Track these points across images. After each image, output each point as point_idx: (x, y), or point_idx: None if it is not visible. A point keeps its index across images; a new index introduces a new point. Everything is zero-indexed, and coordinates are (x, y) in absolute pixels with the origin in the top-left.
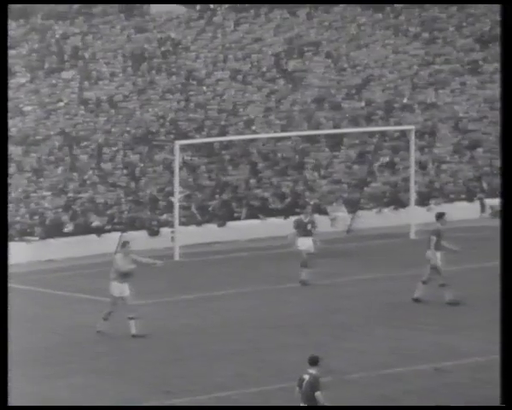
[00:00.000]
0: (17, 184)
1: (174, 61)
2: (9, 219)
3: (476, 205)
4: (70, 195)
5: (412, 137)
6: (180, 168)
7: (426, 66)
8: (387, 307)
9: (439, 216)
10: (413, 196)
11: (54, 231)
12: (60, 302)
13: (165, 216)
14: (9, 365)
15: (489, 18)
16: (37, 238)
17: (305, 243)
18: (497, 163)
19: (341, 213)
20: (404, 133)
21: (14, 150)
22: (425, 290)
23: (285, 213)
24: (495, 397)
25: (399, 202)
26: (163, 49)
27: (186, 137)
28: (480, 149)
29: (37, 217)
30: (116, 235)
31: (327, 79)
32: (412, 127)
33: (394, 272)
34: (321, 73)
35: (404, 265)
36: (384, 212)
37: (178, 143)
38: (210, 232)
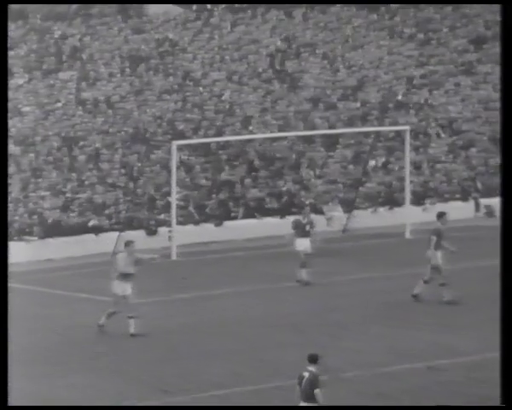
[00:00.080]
0: (16, 184)
1: (171, 62)
2: (8, 218)
3: (471, 204)
4: (68, 195)
5: (407, 137)
6: (177, 168)
7: (420, 67)
8: (383, 307)
9: (440, 216)
10: (408, 196)
11: (53, 230)
12: (59, 301)
13: (162, 216)
14: (9, 364)
15: (482, 19)
16: (35, 238)
17: (302, 244)
18: (492, 163)
19: (337, 213)
20: (398, 133)
21: (12, 150)
22: (425, 289)
23: (281, 212)
24: (490, 396)
25: (394, 202)
26: (160, 49)
27: (183, 137)
28: (474, 149)
29: (35, 217)
30: (114, 235)
31: (322, 80)
32: (407, 128)
33: (390, 271)
34: (316, 74)
35: (399, 264)
36: (379, 211)
37: (175, 143)
38: (207, 232)
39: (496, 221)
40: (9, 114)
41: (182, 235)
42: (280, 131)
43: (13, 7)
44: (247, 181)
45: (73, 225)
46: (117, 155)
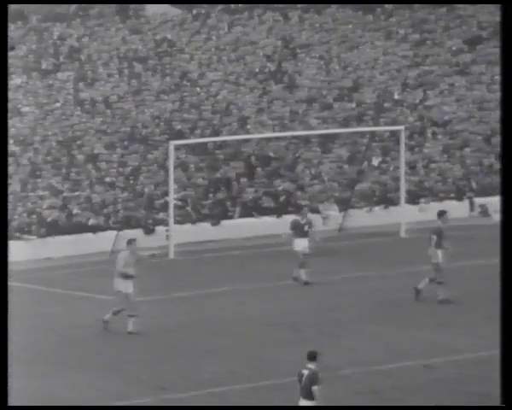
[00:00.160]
0: (15, 183)
1: (169, 63)
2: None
3: (465, 204)
4: (66, 194)
5: (402, 137)
6: (175, 168)
7: (415, 67)
8: (379, 305)
9: (441, 214)
10: (403, 195)
11: (51, 229)
12: (58, 300)
13: (160, 215)
14: (9, 364)
15: (477, 19)
16: (34, 237)
17: (300, 244)
18: (486, 162)
19: (333, 212)
20: (393, 133)
21: (12, 150)
22: (427, 287)
23: (278, 211)
24: (485, 393)
25: (390, 201)
26: (158, 50)
27: (180, 137)
28: (468, 149)
29: (34, 216)
30: (112, 233)
31: (318, 80)
32: (402, 127)
33: (385, 270)
34: (312, 74)
35: (394, 263)
36: (375, 210)
37: (173, 143)
38: (204, 231)
39: (490, 220)
40: (9, 114)
41: (179, 234)
42: (276, 131)
43: (12, 7)
44: (244, 180)
45: (72, 224)
46: (115, 155)
